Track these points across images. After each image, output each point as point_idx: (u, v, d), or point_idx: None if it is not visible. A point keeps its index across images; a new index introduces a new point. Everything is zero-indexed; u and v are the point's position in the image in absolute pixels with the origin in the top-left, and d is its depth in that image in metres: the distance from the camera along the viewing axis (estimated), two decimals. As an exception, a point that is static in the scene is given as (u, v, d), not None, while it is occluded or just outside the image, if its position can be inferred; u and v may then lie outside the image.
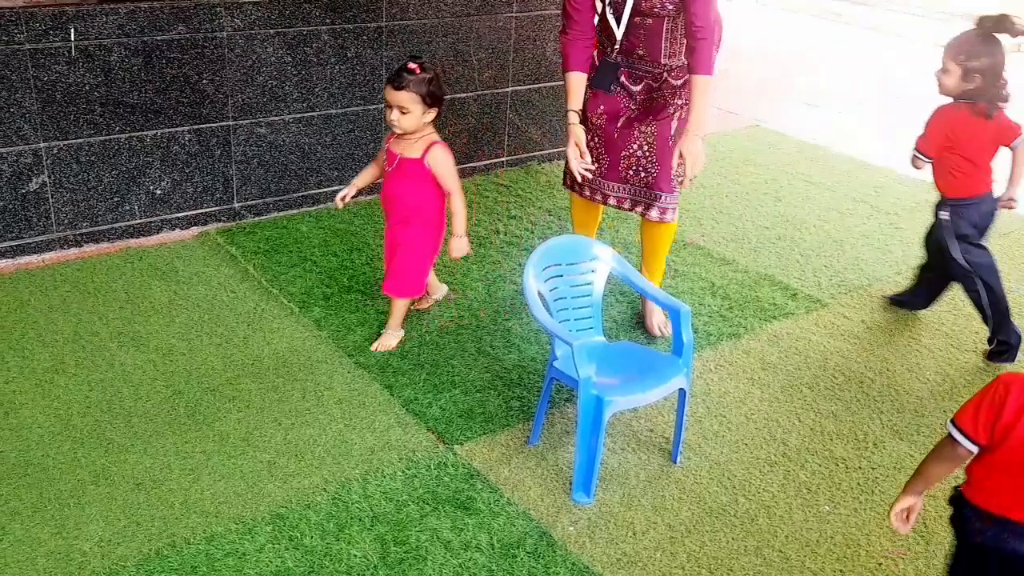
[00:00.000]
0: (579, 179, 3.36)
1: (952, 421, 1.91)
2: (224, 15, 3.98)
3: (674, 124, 3.27)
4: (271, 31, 4.14)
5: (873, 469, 2.95)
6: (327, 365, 3.26)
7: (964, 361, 3.61)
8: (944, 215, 3.50)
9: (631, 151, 3.32)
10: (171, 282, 3.75)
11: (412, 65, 3.07)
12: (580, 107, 3.31)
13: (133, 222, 4.08)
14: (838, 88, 7.53)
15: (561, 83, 5.37)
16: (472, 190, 4.86)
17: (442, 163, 3.21)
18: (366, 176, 3.39)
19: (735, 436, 3.06)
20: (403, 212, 3.29)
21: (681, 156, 3.15)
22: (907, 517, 2.06)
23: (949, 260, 3.53)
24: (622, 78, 3.31)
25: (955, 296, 4.11)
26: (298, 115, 4.34)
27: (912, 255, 4.48)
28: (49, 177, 3.83)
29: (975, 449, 1.88)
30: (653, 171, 3.32)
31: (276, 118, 4.29)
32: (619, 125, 3.32)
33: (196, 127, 4.09)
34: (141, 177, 4.04)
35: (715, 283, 4.02)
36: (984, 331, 3.67)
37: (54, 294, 3.60)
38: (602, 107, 3.34)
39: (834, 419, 3.18)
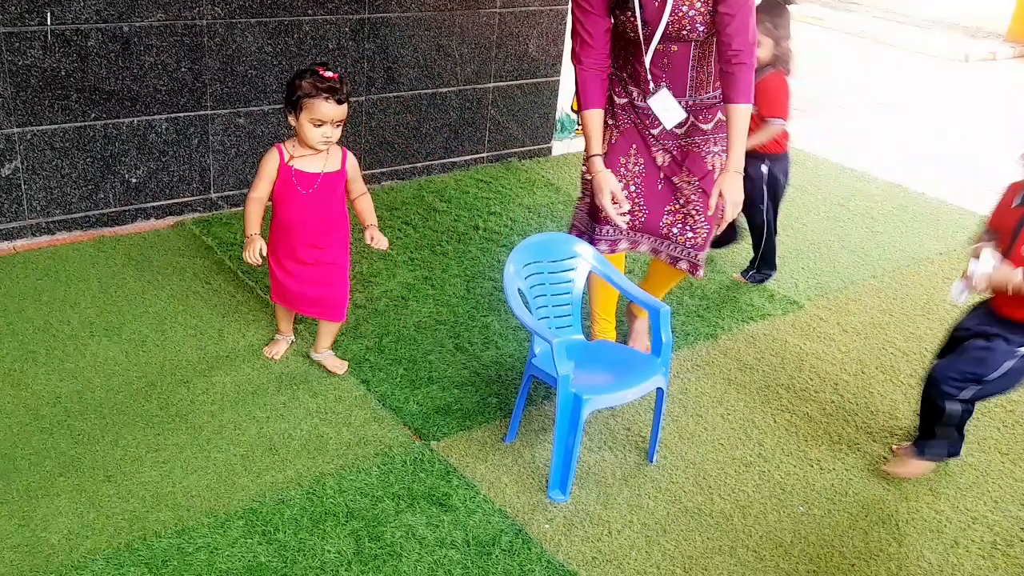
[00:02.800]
0: (600, 231, 3.03)
1: None
2: (205, 3, 3.93)
3: (716, 180, 2.87)
4: (252, 20, 4.10)
5: (847, 471, 2.97)
6: (303, 359, 3.23)
7: (938, 365, 3.64)
8: (764, 168, 3.83)
9: (677, 206, 2.97)
10: (145, 272, 3.70)
11: (332, 73, 2.77)
12: (603, 150, 2.94)
13: (107, 210, 4.02)
14: (817, 92, 7.58)
15: (545, 79, 5.40)
16: (452, 185, 4.84)
17: (356, 166, 2.99)
18: (259, 213, 2.90)
19: (711, 436, 3.07)
20: (319, 233, 2.95)
21: (721, 195, 2.78)
22: None
23: (755, 207, 3.88)
24: (639, 117, 2.94)
25: (928, 301, 4.15)
26: (277, 106, 4.30)
27: (888, 258, 4.52)
28: (22, 163, 3.76)
29: None
30: (703, 232, 2.98)
31: (255, 108, 4.25)
32: (660, 176, 2.96)
33: (173, 115, 4.04)
34: (116, 165, 3.98)
35: (693, 283, 4.03)
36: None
37: (25, 282, 3.54)
38: (634, 145, 2.96)
39: (809, 420, 3.20)
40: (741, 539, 2.63)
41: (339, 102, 2.77)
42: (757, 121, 3.64)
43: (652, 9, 2.71)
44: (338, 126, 2.82)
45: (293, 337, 3.27)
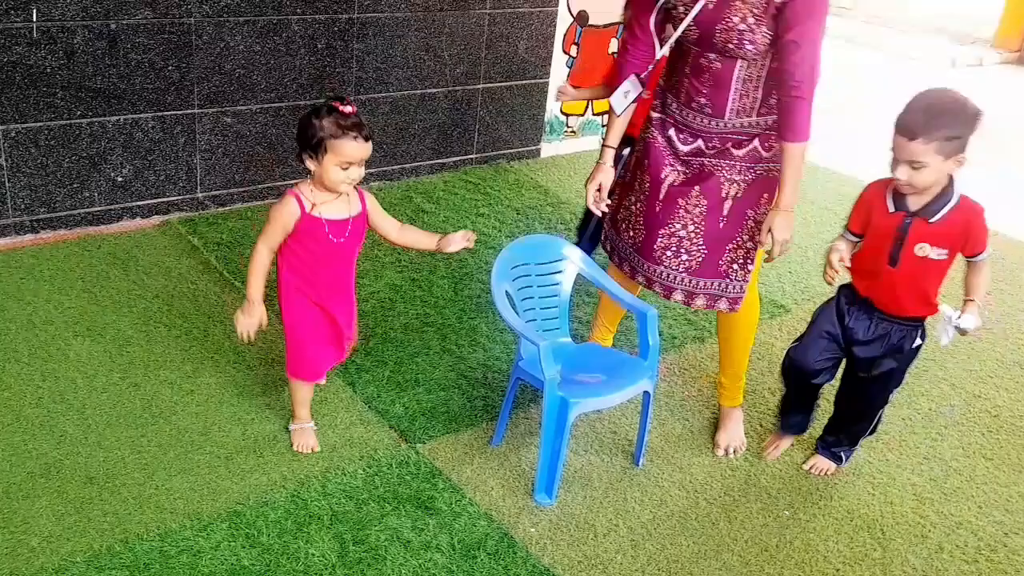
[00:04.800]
0: (614, 246, 2.97)
1: None
2: (192, 1, 3.91)
3: (726, 207, 2.73)
4: (240, 19, 4.07)
5: (832, 475, 2.97)
6: (289, 360, 3.21)
7: (923, 369, 3.65)
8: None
9: (672, 230, 2.80)
10: (130, 271, 3.67)
11: (351, 107, 2.48)
12: (616, 143, 2.86)
13: (92, 209, 3.99)
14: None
15: (534, 81, 5.40)
16: (440, 187, 4.83)
17: (375, 201, 2.69)
18: (267, 268, 2.60)
19: (698, 440, 3.07)
20: (347, 278, 2.69)
21: (770, 231, 2.65)
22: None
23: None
24: (671, 131, 2.80)
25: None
26: (266, 105, 4.28)
27: (875, 263, 4.53)
28: (6, 161, 3.73)
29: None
30: (698, 255, 2.79)
31: (243, 108, 4.22)
32: (661, 196, 2.79)
33: (160, 114, 4.01)
34: (102, 163, 3.95)
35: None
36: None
37: (8, 280, 3.50)
38: (647, 161, 2.82)
39: (795, 425, 3.20)
40: (727, 543, 2.63)
41: (366, 139, 2.49)
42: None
43: (704, 12, 2.55)
44: (363, 165, 2.54)
45: (313, 422, 2.87)
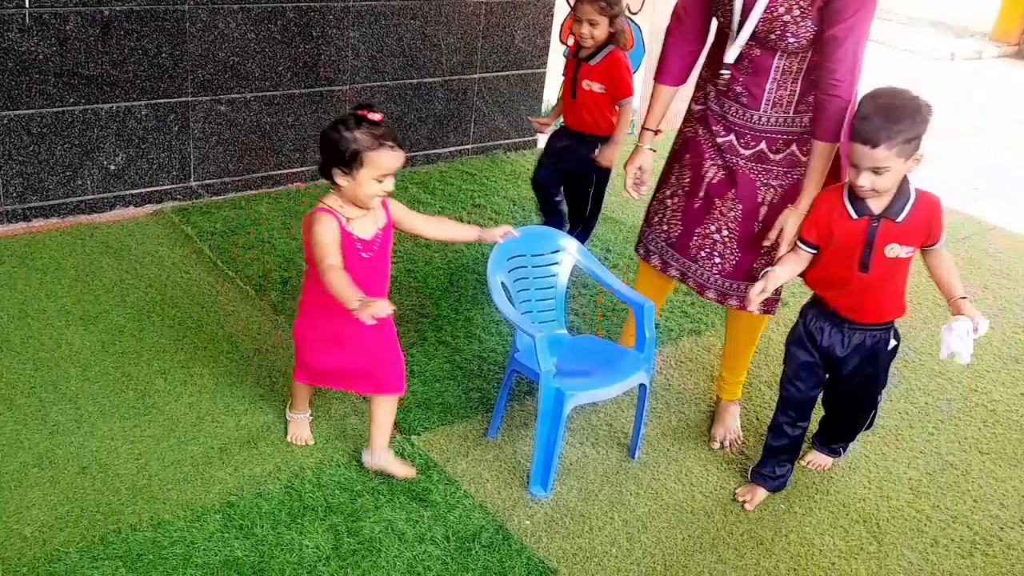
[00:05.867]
0: (642, 238, 2.94)
1: None
2: (186, -12, 3.88)
3: (762, 212, 2.70)
4: (235, 6, 4.04)
5: (828, 468, 2.97)
6: (283, 351, 3.19)
7: (920, 363, 3.65)
8: (597, 151, 3.71)
9: (708, 231, 2.78)
10: (123, 260, 3.65)
11: (379, 116, 2.39)
12: (655, 126, 2.82)
13: (85, 197, 3.96)
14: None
15: (531, 71, 5.37)
16: (436, 177, 4.80)
17: (398, 205, 2.55)
18: (348, 279, 2.30)
19: (694, 432, 3.06)
20: (377, 295, 2.40)
21: (781, 231, 2.60)
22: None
23: (583, 191, 3.86)
24: (711, 124, 2.74)
25: (908, 297, 4.16)
26: (260, 93, 4.25)
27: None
28: (-2, 148, 3.70)
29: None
30: (732, 259, 2.78)
31: (237, 96, 4.19)
32: (701, 193, 2.77)
33: (153, 102, 3.98)
34: (95, 151, 3.92)
35: (677, 278, 4.02)
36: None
37: (0, 269, 3.48)
38: (688, 156, 2.79)
39: (791, 418, 3.20)
40: (722, 536, 2.63)
41: (400, 147, 2.38)
42: (610, 104, 3.63)
43: (750, 1, 2.51)
44: (395, 176, 2.40)
45: (310, 412, 2.84)
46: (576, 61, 3.67)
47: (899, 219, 2.41)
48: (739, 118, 2.67)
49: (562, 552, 2.49)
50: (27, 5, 3.55)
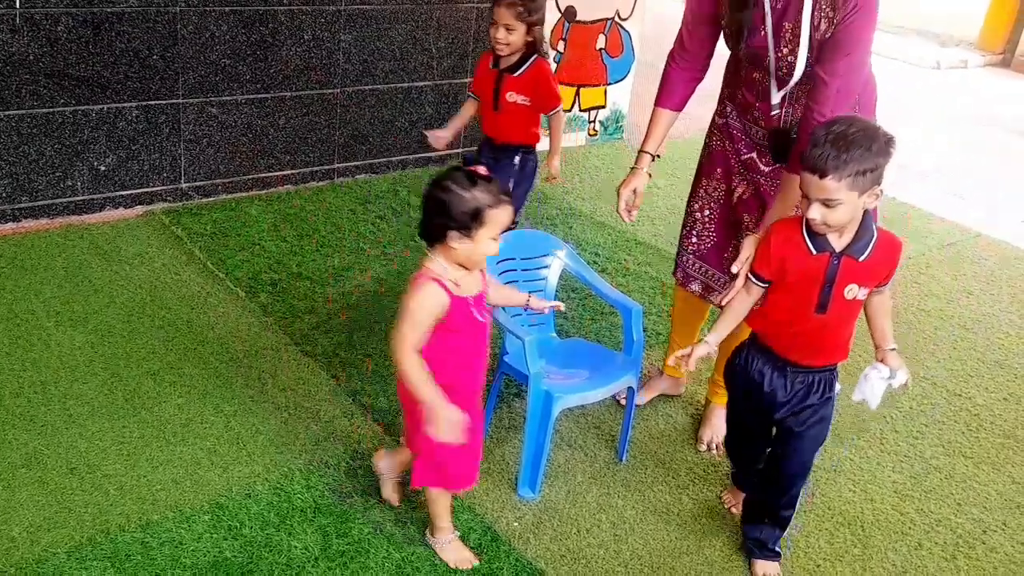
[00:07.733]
0: (688, 265, 2.93)
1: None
2: (178, -10, 3.88)
3: None
4: (226, 8, 4.05)
5: (813, 472, 2.98)
6: (273, 352, 3.20)
7: (912, 372, 3.67)
8: (517, 160, 3.58)
9: (736, 244, 2.74)
10: (113, 262, 3.64)
11: (484, 169, 2.23)
12: (654, 149, 2.82)
13: (75, 198, 3.96)
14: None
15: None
16: (427, 181, 4.81)
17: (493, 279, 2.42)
18: (432, 381, 2.15)
19: (681, 436, 3.08)
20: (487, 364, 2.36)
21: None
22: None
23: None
24: (735, 137, 2.76)
25: (896, 301, 4.19)
26: (251, 96, 4.25)
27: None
28: (-13, 148, 3.69)
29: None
30: None
31: (228, 98, 4.20)
32: (733, 202, 2.80)
33: (144, 103, 3.98)
34: (85, 152, 3.91)
35: (666, 282, 4.04)
36: (937, 337, 3.74)
37: (-11, 270, 3.48)
38: (719, 170, 2.81)
39: (778, 421, 3.22)
40: (709, 539, 2.64)
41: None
42: (534, 115, 3.52)
43: (757, 37, 2.53)
44: None
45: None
46: (497, 72, 3.47)
47: (861, 258, 2.24)
48: (757, 138, 2.71)
49: (550, 554, 2.50)
50: (18, 5, 3.55)
